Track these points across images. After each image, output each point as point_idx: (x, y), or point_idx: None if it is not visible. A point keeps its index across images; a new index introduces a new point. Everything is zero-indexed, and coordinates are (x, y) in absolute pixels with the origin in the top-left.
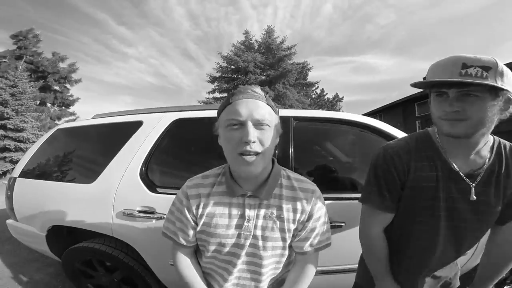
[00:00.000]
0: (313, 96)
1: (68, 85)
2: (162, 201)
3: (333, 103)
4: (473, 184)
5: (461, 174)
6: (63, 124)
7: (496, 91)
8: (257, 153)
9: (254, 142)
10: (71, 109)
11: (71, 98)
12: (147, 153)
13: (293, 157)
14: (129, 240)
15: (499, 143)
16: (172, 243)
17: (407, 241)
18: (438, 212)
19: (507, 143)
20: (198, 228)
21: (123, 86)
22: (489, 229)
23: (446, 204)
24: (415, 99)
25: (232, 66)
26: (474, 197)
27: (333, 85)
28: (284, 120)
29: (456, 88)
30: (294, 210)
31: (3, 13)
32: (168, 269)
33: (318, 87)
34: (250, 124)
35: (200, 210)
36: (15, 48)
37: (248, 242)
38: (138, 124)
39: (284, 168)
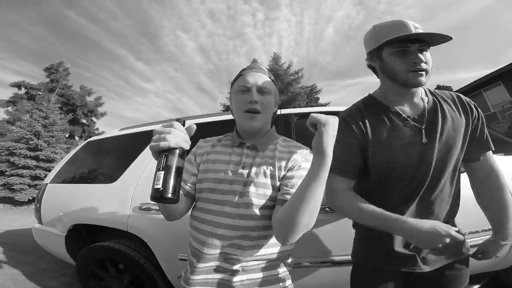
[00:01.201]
0: None
1: (94, 119)
2: None
3: None
4: (423, 126)
5: (410, 120)
6: (92, 137)
7: (429, 46)
8: (258, 112)
9: (256, 102)
10: None
11: (96, 132)
12: None
13: None
14: (142, 234)
15: (427, 89)
16: None
17: (387, 195)
18: (400, 160)
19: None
20: (198, 175)
21: (142, 121)
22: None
23: (405, 152)
24: None
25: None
26: (425, 139)
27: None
28: (286, 117)
29: (418, 43)
30: (286, 158)
31: (33, 46)
32: (176, 264)
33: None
34: (254, 89)
35: (203, 157)
36: (48, 81)
37: (240, 189)
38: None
39: (285, 138)
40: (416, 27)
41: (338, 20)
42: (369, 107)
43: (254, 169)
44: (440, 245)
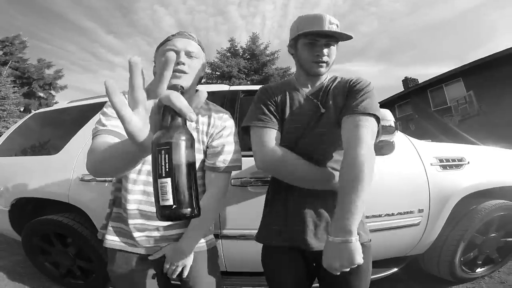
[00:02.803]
0: None
1: (53, 92)
2: None
3: None
4: (317, 100)
5: (310, 96)
6: (39, 110)
7: (337, 41)
8: (184, 72)
9: (183, 64)
10: None
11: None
12: None
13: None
14: (83, 206)
15: (337, 76)
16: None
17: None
18: (303, 126)
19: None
20: None
21: None
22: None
23: (307, 121)
24: (393, 101)
25: (217, 73)
26: (323, 110)
27: None
28: (232, 93)
29: (326, 38)
30: (207, 123)
31: None
32: None
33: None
34: (182, 53)
35: None
36: (0, 54)
37: None
38: (103, 104)
39: (208, 101)
40: (332, 22)
41: (324, 7)
42: (285, 86)
43: None
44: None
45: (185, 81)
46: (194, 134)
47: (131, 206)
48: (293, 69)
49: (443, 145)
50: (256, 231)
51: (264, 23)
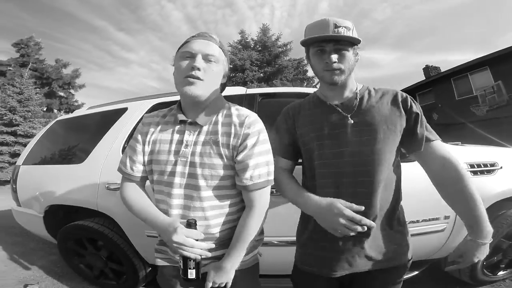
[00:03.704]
0: None
1: (72, 91)
2: None
3: None
4: (349, 115)
5: (339, 108)
6: (60, 117)
7: (352, 45)
8: (200, 79)
9: (199, 70)
10: None
11: (76, 104)
12: (129, 133)
13: None
14: (111, 213)
15: (368, 86)
16: (121, 177)
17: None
18: (324, 142)
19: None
20: (146, 157)
21: (126, 91)
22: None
23: (331, 134)
24: (413, 90)
25: (230, 65)
26: (352, 120)
27: None
28: (250, 96)
29: (332, 43)
30: (228, 134)
31: (3, 22)
32: (145, 240)
33: (318, 82)
34: (199, 56)
35: (148, 137)
36: (18, 56)
37: (186, 170)
38: (123, 110)
39: (231, 103)
40: (338, 25)
41: None
42: (308, 100)
43: (198, 148)
44: (339, 224)
45: (201, 89)
46: (214, 148)
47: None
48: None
49: (475, 149)
50: (277, 237)
51: (273, 13)
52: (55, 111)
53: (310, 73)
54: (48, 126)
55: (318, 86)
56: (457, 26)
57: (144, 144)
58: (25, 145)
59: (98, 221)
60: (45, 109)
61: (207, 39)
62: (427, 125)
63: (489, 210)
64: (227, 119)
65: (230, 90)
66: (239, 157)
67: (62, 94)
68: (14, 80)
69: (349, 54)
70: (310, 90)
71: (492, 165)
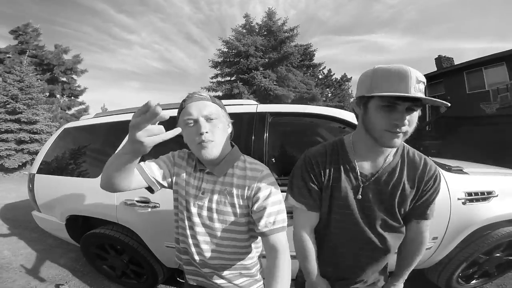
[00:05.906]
0: (320, 76)
1: (74, 76)
2: (156, 193)
3: (341, 83)
4: (362, 184)
5: (358, 174)
6: (68, 124)
7: (423, 104)
8: (210, 141)
9: (207, 132)
10: (80, 98)
11: (79, 89)
12: None
13: (267, 149)
14: (131, 226)
15: (404, 147)
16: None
17: (330, 239)
18: (350, 209)
19: (411, 149)
20: (173, 186)
21: (129, 72)
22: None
23: (346, 201)
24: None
25: (233, 51)
26: (360, 196)
27: (341, 65)
28: (260, 115)
29: (410, 102)
30: (242, 186)
31: (2, 8)
32: (164, 249)
33: (325, 67)
34: (202, 119)
35: (174, 178)
36: (16, 43)
37: (204, 213)
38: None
39: (245, 155)
40: (419, 80)
41: None
42: (334, 154)
43: (215, 197)
44: None
45: (215, 149)
46: (228, 198)
47: (184, 256)
48: (317, 43)
49: (476, 178)
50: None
51: None
52: (58, 96)
53: (316, 59)
54: (58, 132)
55: (328, 95)
56: (473, 14)
57: (172, 174)
58: (29, 132)
59: (118, 229)
60: (47, 95)
61: (200, 99)
62: (432, 203)
63: (476, 230)
64: (241, 171)
65: (241, 108)
66: (255, 207)
67: (64, 79)
68: (13, 68)
69: (417, 114)
70: (323, 111)
71: (489, 193)
